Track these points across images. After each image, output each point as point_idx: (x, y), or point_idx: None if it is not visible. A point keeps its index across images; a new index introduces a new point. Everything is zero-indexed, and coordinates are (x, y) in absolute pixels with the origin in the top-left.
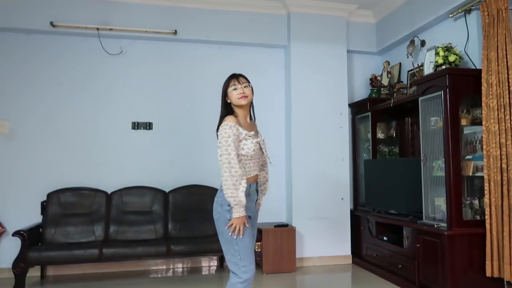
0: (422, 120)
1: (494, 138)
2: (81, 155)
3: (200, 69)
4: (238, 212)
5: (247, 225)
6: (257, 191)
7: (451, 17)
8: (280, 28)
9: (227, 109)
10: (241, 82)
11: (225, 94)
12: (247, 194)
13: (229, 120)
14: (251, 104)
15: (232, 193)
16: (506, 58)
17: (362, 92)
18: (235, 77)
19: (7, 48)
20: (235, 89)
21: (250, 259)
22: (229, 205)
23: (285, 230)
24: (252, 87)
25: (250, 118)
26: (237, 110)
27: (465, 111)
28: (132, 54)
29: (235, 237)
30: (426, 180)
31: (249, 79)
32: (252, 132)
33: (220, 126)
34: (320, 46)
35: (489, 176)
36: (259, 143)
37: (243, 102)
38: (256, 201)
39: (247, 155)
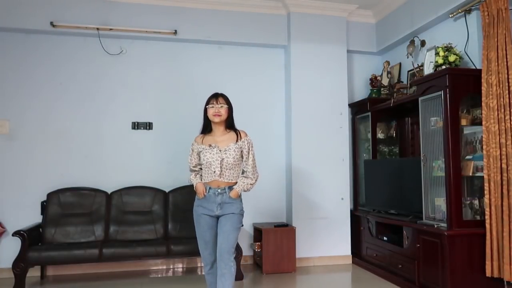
0: (422, 120)
1: (494, 138)
2: (81, 155)
3: (200, 69)
4: (194, 185)
5: (203, 195)
6: (217, 194)
7: (451, 17)
8: (280, 28)
9: (205, 122)
10: (219, 102)
11: (205, 109)
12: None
13: (195, 138)
14: (227, 120)
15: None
16: (506, 58)
17: (362, 92)
18: (215, 96)
19: (7, 48)
20: (212, 107)
21: (202, 249)
22: (196, 199)
23: (285, 230)
24: (229, 108)
25: (231, 128)
26: (212, 124)
27: (465, 111)
28: (132, 54)
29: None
30: (426, 180)
31: (229, 100)
32: (213, 145)
33: None
34: (320, 46)
35: (489, 176)
36: (216, 155)
37: (216, 119)
38: (219, 204)
39: (202, 164)
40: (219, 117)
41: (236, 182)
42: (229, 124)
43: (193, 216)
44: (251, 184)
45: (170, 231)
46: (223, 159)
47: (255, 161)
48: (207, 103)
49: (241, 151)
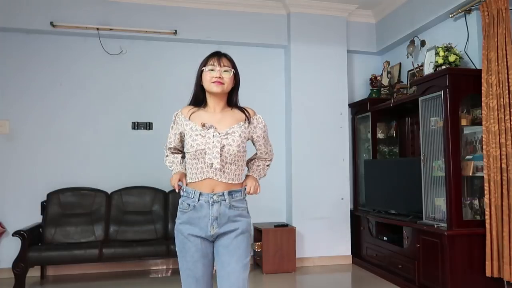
0: (422, 120)
1: (494, 138)
2: (81, 155)
3: None
4: (172, 172)
5: (179, 184)
6: (212, 203)
7: (451, 17)
8: (280, 28)
9: (196, 92)
10: (222, 65)
11: (199, 73)
12: (191, 205)
13: (181, 109)
14: (232, 94)
15: (168, 164)
16: (506, 58)
17: (362, 92)
18: (217, 55)
19: (7, 48)
20: (211, 70)
21: None
22: (176, 216)
23: (285, 230)
24: (236, 74)
25: (234, 106)
26: (208, 96)
27: (465, 111)
28: (132, 54)
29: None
30: (426, 180)
31: (235, 64)
32: (208, 124)
33: None
34: (320, 46)
35: (489, 176)
36: (207, 138)
37: (215, 89)
38: (215, 219)
39: (188, 152)
40: (221, 86)
41: (240, 184)
42: (234, 100)
43: (174, 240)
44: (267, 166)
45: (170, 231)
46: (224, 146)
47: (270, 143)
48: (204, 63)
49: (251, 138)
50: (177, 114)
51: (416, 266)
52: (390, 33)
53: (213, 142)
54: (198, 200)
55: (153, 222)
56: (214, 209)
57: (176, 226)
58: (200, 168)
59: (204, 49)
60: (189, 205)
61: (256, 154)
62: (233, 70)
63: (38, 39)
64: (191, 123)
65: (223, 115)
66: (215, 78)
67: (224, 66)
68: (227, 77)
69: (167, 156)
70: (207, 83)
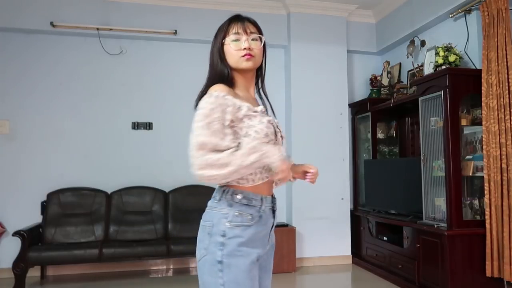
0: (422, 120)
1: (494, 138)
2: (81, 155)
3: (200, 69)
4: (275, 159)
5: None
6: (273, 210)
7: (451, 17)
8: (280, 28)
9: (223, 72)
10: (248, 32)
11: (220, 47)
12: (255, 215)
13: (217, 88)
14: (259, 70)
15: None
16: (506, 58)
17: (362, 92)
18: (240, 20)
19: (7, 49)
20: (236, 40)
21: None
22: (223, 235)
23: (285, 230)
24: (265, 42)
25: (258, 90)
26: (236, 76)
27: (465, 111)
28: (132, 54)
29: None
30: (426, 180)
31: (261, 28)
32: (260, 107)
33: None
34: (320, 46)
35: (489, 176)
36: (273, 124)
37: (247, 64)
38: (272, 228)
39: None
40: (252, 59)
41: None
42: (261, 79)
43: (222, 268)
44: None
45: (170, 231)
46: (282, 137)
47: None
48: (226, 32)
49: None
50: (222, 95)
51: (416, 266)
52: (390, 33)
53: (275, 130)
54: (261, 207)
55: (153, 222)
56: (275, 217)
57: (233, 248)
58: None
59: (204, 49)
60: (251, 216)
61: None
62: (263, 37)
63: (38, 39)
64: (246, 104)
65: (258, 99)
66: (244, 51)
67: (251, 33)
68: (257, 47)
69: (234, 152)
70: (235, 58)
